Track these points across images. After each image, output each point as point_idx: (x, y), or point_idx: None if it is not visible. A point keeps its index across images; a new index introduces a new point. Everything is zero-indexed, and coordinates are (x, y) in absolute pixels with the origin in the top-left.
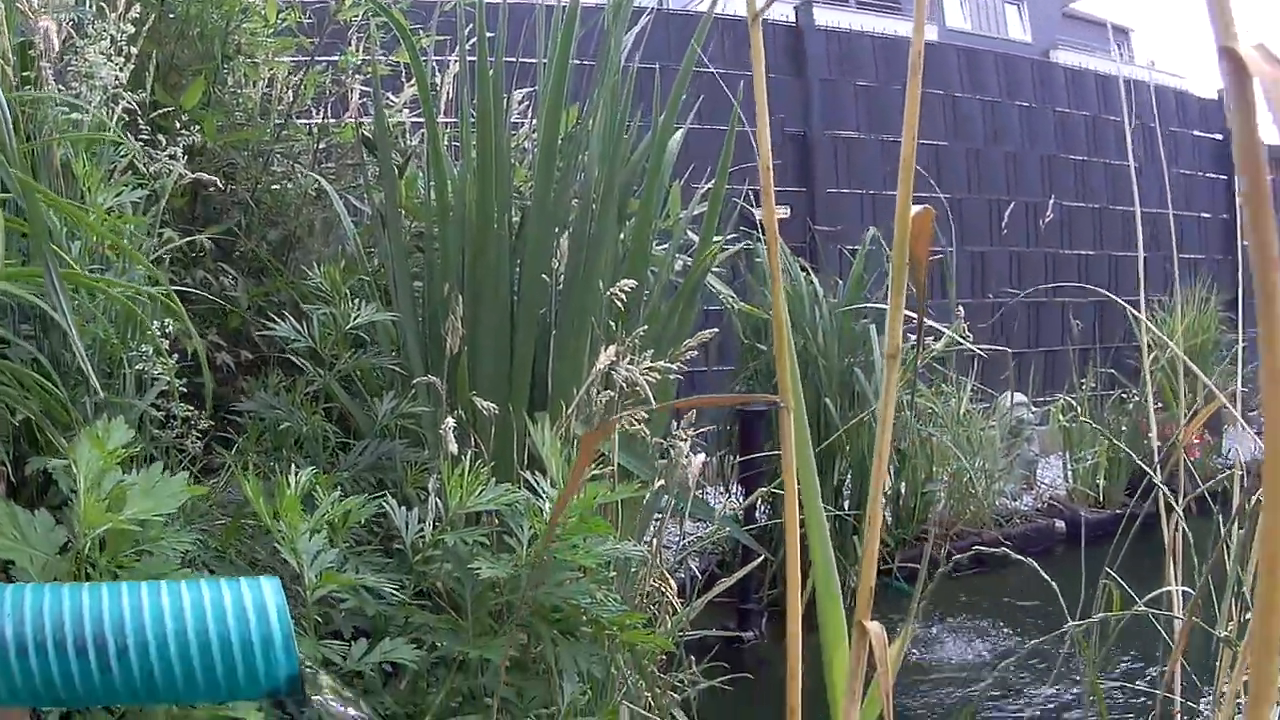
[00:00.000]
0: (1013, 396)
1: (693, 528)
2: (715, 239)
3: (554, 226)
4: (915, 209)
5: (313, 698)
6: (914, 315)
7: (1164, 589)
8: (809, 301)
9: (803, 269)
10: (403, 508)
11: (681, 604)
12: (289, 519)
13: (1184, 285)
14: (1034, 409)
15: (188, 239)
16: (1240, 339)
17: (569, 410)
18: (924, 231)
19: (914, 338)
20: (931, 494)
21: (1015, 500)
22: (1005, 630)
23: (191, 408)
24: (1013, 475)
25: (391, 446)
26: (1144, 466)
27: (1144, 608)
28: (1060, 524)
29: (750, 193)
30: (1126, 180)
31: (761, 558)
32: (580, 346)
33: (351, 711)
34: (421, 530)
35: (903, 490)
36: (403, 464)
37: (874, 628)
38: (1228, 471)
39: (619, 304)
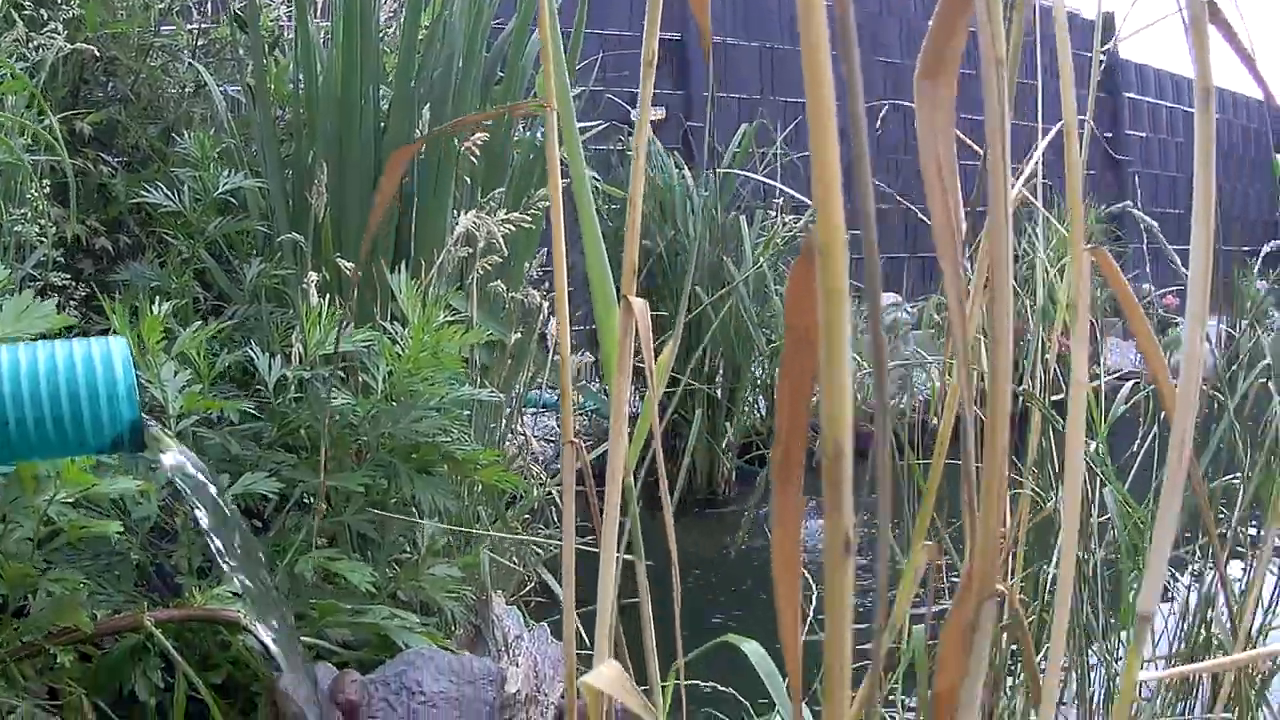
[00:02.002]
0: (876, 298)
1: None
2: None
3: (416, 100)
4: None
5: (155, 454)
6: (779, 188)
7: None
8: (680, 194)
9: (676, 165)
10: (267, 354)
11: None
12: (150, 342)
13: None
14: (909, 311)
15: (65, 116)
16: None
17: (431, 271)
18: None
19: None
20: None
21: (892, 398)
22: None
23: (68, 276)
24: (889, 373)
25: (260, 309)
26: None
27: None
28: (936, 421)
29: (627, 94)
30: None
31: None
32: (441, 210)
33: (183, 459)
34: (284, 374)
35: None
36: (270, 324)
37: (638, 303)
38: (1101, 379)
39: (473, 160)
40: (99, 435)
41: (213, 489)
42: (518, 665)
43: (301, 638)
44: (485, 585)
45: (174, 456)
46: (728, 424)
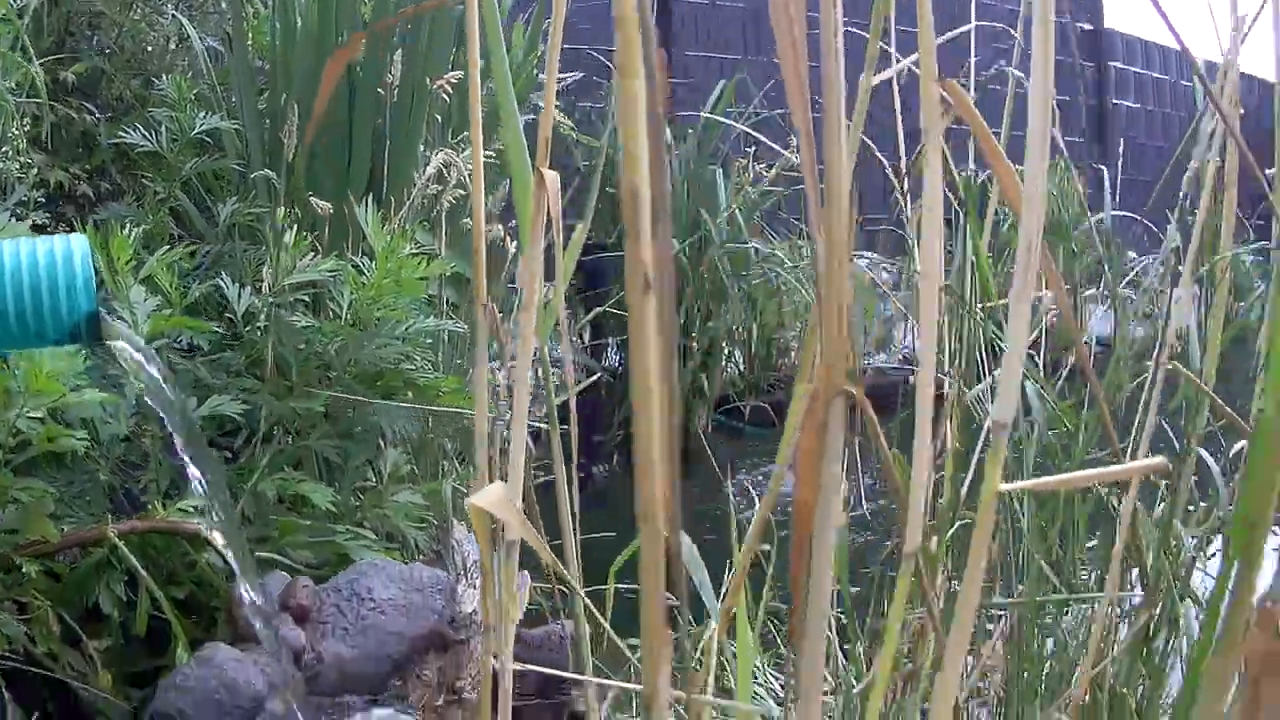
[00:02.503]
0: (850, 257)
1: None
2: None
3: (390, 46)
4: None
5: (108, 342)
6: (752, 134)
7: None
8: None
9: None
10: (237, 284)
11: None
12: (120, 264)
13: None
14: (889, 270)
15: (48, 61)
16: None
17: (403, 210)
18: None
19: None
20: (783, 341)
21: (871, 357)
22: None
23: (49, 216)
24: (869, 330)
25: (234, 246)
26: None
27: None
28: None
29: (606, 51)
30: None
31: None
32: (412, 151)
33: (143, 359)
34: (253, 302)
35: (754, 335)
36: (243, 260)
37: (549, 175)
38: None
39: (445, 98)
40: (58, 326)
41: (167, 388)
42: (475, 588)
43: (264, 555)
44: (448, 514)
45: (128, 346)
46: (704, 376)
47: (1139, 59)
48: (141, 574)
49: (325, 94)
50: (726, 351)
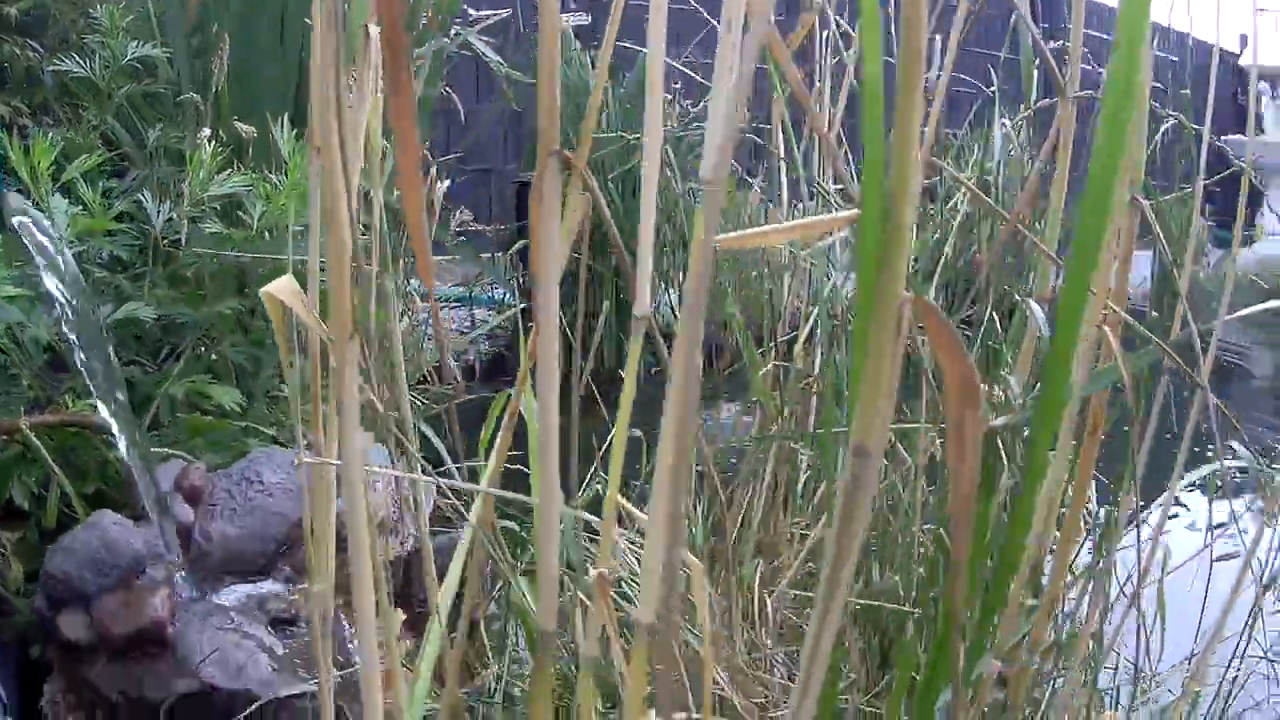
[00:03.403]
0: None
1: (483, 315)
2: None
3: None
4: None
5: (12, 220)
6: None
7: None
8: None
9: (594, 65)
10: (157, 199)
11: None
12: (41, 170)
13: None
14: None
15: None
16: None
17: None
18: None
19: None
20: (722, 289)
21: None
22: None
23: None
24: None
25: (164, 170)
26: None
27: None
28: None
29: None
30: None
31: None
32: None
33: (44, 239)
34: (171, 217)
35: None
36: (169, 182)
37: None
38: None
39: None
40: None
41: (58, 254)
42: (376, 491)
43: (172, 453)
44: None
45: (27, 220)
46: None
47: (1093, 22)
48: (53, 468)
49: None
50: (665, 296)
